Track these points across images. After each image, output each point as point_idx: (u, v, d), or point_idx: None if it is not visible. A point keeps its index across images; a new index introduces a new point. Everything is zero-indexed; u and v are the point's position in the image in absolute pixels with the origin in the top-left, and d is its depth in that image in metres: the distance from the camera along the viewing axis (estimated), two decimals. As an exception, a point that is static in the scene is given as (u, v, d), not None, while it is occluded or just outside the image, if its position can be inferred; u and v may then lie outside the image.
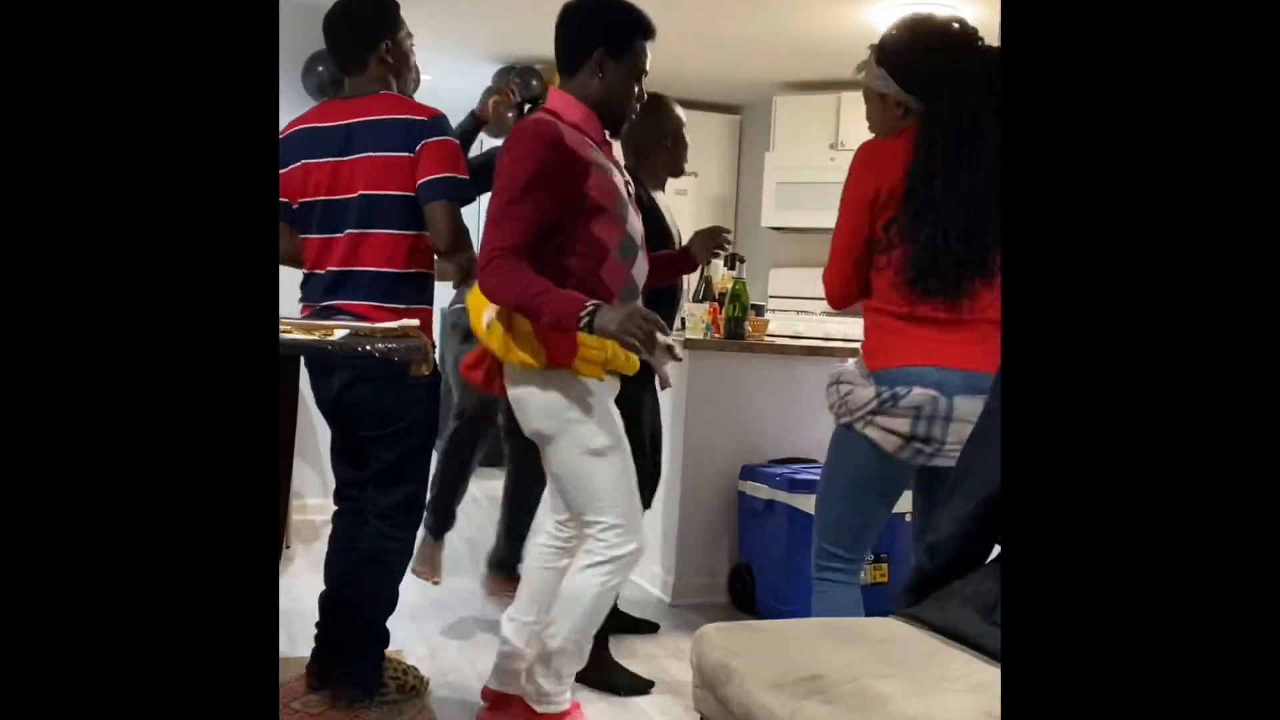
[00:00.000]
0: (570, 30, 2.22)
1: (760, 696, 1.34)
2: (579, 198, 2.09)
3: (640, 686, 2.72)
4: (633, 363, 2.19)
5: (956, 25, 2.05)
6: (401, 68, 2.42)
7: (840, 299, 2.18)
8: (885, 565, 3.17)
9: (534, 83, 5.51)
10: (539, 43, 5.38)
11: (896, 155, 2.01)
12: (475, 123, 2.94)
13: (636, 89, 2.22)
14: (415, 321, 2.10)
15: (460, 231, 2.31)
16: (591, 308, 1.96)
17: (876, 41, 2.15)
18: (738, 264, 3.47)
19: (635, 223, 2.22)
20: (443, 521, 3.47)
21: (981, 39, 2.04)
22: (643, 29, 2.20)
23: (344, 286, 2.33)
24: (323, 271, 2.36)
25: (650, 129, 3.02)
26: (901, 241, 2.01)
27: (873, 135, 2.13)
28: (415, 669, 2.65)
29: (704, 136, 6.41)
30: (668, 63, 5.53)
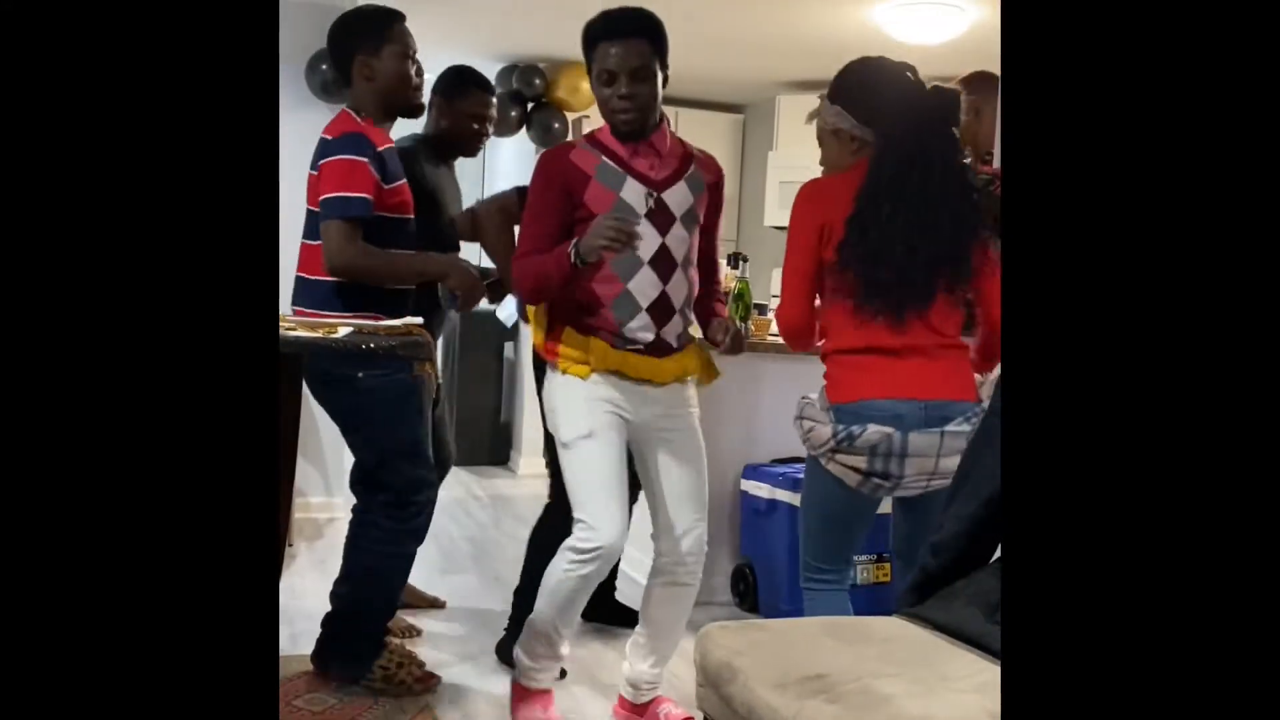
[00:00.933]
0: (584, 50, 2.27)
1: (764, 695, 1.34)
2: (577, 209, 2.19)
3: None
4: (632, 363, 2.21)
5: (907, 70, 2.17)
6: (387, 81, 2.43)
7: (796, 336, 2.22)
8: (887, 565, 3.17)
9: (536, 81, 5.51)
10: (542, 42, 5.40)
11: (840, 189, 2.10)
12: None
13: (607, 90, 2.18)
14: (419, 320, 2.11)
15: (349, 251, 2.31)
16: (572, 243, 2.11)
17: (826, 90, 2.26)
18: (741, 263, 3.47)
19: (647, 235, 2.15)
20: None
21: (925, 85, 2.17)
22: (597, 31, 2.20)
23: (296, 291, 2.47)
24: (297, 274, 2.50)
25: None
26: (849, 266, 2.07)
27: (822, 173, 2.24)
28: (416, 664, 2.63)
29: (707, 135, 6.41)
30: (671, 62, 5.53)
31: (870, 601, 3.08)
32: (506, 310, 3.82)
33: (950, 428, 2.03)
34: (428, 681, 2.62)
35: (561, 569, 2.22)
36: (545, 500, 2.92)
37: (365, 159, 2.32)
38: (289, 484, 2.15)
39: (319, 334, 1.89)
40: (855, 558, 3.05)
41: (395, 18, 2.46)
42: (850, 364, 2.10)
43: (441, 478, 3.45)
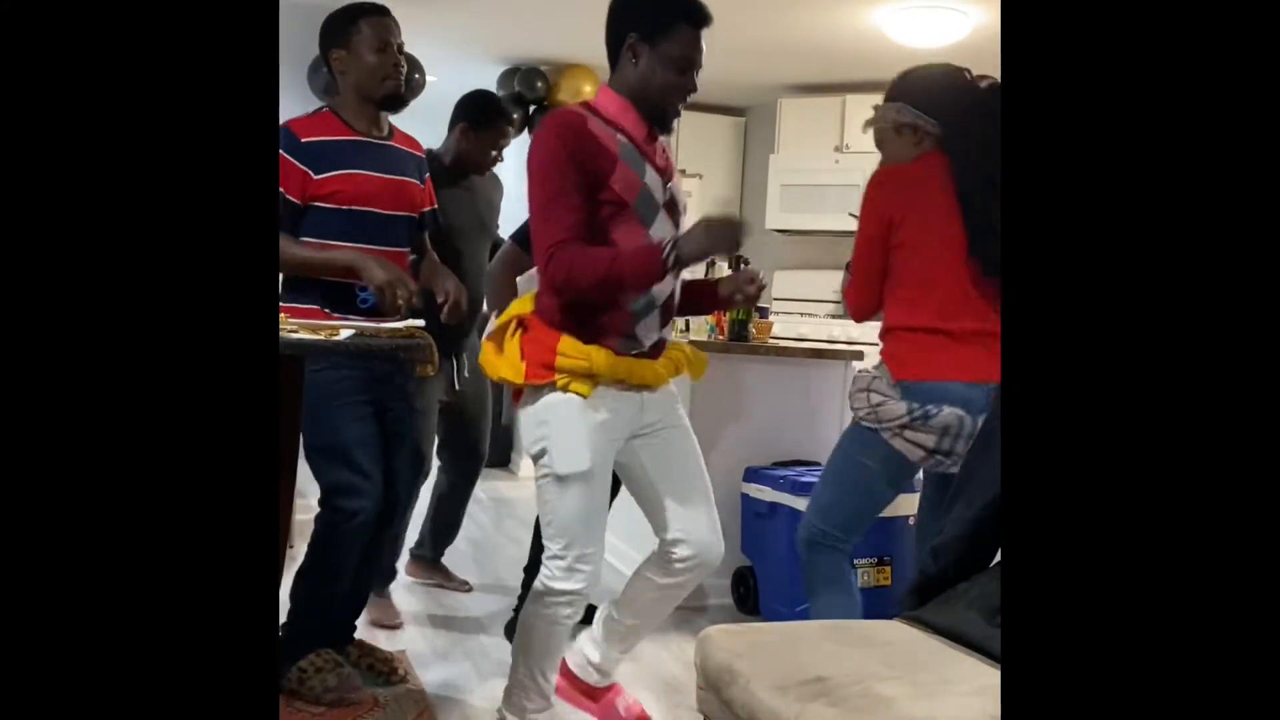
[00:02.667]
0: (609, 17, 2.06)
1: (765, 698, 1.34)
2: (601, 191, 1.95)
3: None
4: (637, 371, 2.04)
5: (962, 70, 2.30)
6: (358, 72, 2.43)
7: (861, 313, 2.36)
8: (888, 568, 3.17)
9: (538, 84, 5.51)
10: (544, 43, 5.41)
11: (910, 178, 2.20)
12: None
13: (679, 79, 2.01)
14: (420, 321, 2.11)
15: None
16: (670, 243, 1.89)
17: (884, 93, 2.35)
18: (742, 266, 3.47)
19: (664, 228, 2.03)
20: None
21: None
22: (685, 13, 2.00)
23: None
24: None
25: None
26: (963, 251, 2.17)
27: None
28: (336, 673, 2.47)
29: (708, 138, 6.42)
30: (673, 64, 5.53)
31: (871, 605, 3.08)
32: None
33: None
34: (348, 698, 2.46)
35: (543, 614, 2.06)
36: None
37: (283, 153, 2.34)
38: (290, 485, 2.14)
39: (320, 336, 1.89)
40: (856, 560, 3.07)
41: (368, 10, 2.45)
42: (920, 343, 2.20)
43: (472, 480, 3.48)
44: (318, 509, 2.43)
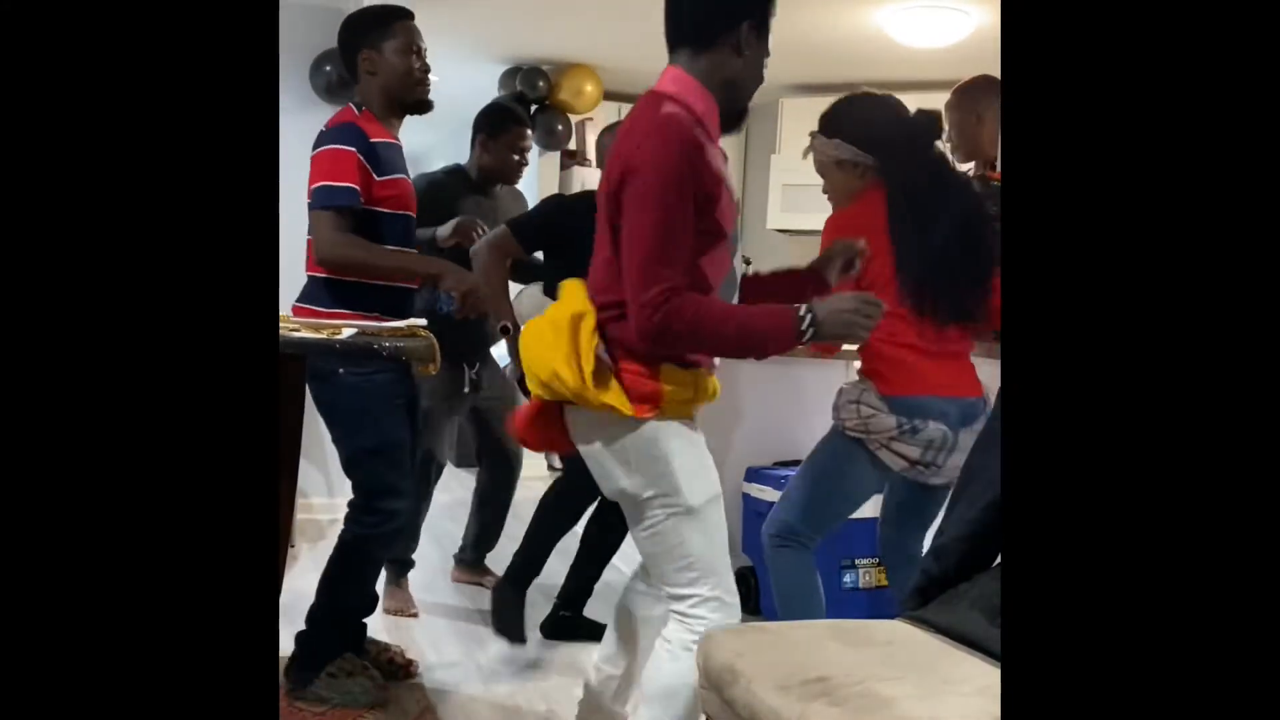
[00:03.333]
0: None
1: (766, 698, 1.34)
2: (704, 218, 1.70)
3: (514, 635, 2.91)
4: (716, 391, 1.87)
5: (892, 99, 2.39)
6: (390, 75, 2.42)
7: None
8: (886, 568, 3.16)
9: (540, 84, 5.51)
10: (545, 43, 5.40)
11: (856, 221, 2.31)
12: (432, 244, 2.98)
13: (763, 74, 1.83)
14: (423, 321, 2.11)
15: (336, 241, 2.30)
16: (805, 315, 1.65)
17: (817, 125, 2.45)
18: (746, 266, 3.47)
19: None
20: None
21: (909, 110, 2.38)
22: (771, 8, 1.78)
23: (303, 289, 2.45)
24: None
25: None
26: (903, 277, 2.28)
27: (832, 206, 2.47)
28: (367, 674, 2.52)
29: (710, 138, 6.41)
30: (674, 64, 5.52)
31: (872, 604, 3.07)
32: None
33: (976, 425, 2.29)
34: (378, 695, 2.50)
35: (688, 670, 1.69)
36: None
37: (353, 149, 2.30)
38: (291, 485, 2.14)
39: (323, 335, 1.89)
40: (857, 560, 3.08)
41: (400, 14, 2.46)
42: (901, 361, 2.32)
43: (511, 481, 3.54)
44: (352, 512, 2.45)
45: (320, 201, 2.29)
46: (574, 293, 1.80)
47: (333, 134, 2.34)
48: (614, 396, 1.71)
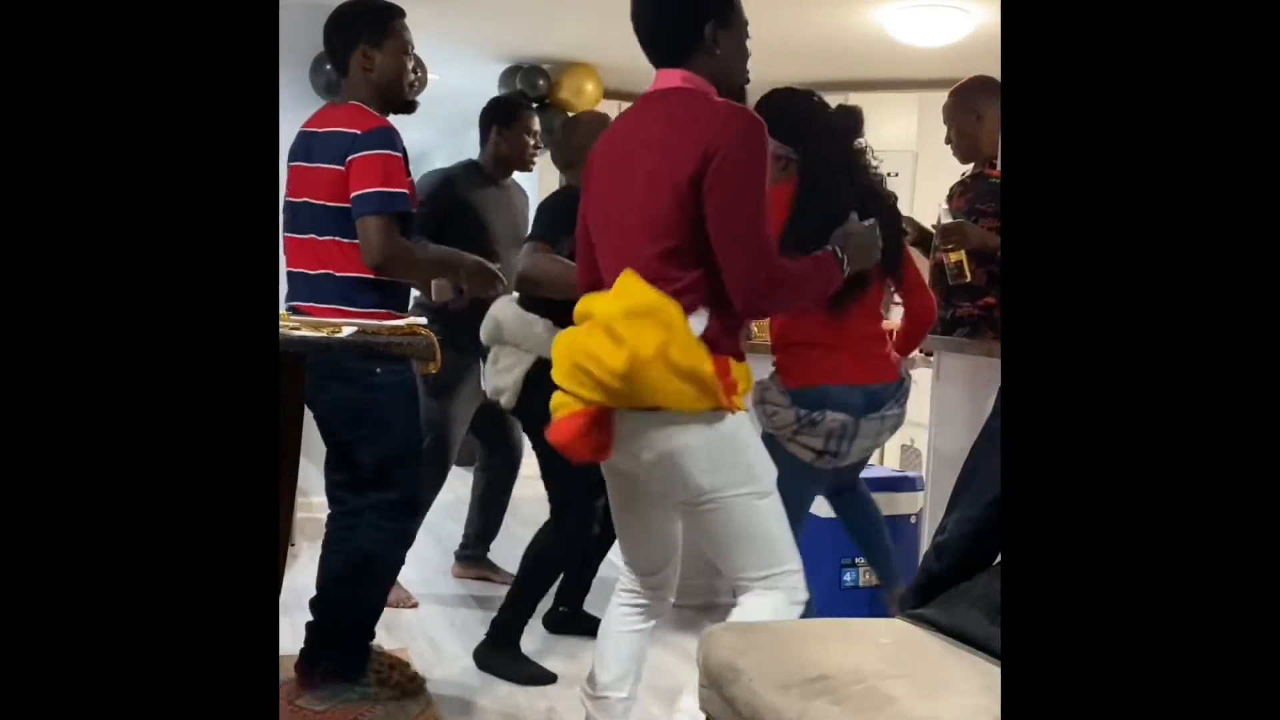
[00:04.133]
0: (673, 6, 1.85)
1: (767, 696, 1.34)
2: None
3: (545, 677, 2.77)
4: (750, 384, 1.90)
5: (814, 95, 2.54)
6: (386, 74, 2.42)
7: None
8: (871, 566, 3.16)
9: (540, 82, 5.50)
10: (546, 42, 5.40)
11: (779, 202, 2.28)
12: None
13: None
14: (423, 320, 2.11)
15: (393, 246, 2.31)
16: (840, 253, 1.83)
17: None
18: None
19: None
20: None
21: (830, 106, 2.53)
22: None
23: (306, 288, 2.41)
24: (291, 270, 2.46)
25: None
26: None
27: None
28: (405, 666, 2.62)
29: (710, 137, 6.39)
30: (674, 63, 5.51)
31: (872, 603, 3.07)
32: None
33: (886, 411, 2.44)
34: (417, 682, 2.61)
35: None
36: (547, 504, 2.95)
37: (400, 153, 2.34)
38: (291, 484, 2.14)
39: (323, 334, 1.89)
40: (857, 559, 3.07)
41: (397, 12, 2.45)
42: (799, 354, 2.45)
43: (511, 476, 3.59)
44: (383, 513, 2.47)
45: (378, 207, 2.30)
46: (636, 286, 1.73)
47: (379, 138, 2.32)
48: (696, 392, 1.70)
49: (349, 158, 2.31)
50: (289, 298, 2.45)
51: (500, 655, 2.81)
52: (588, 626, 2.95)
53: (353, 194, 2.30)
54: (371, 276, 2.36)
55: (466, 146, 3.43)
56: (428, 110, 4.06)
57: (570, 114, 3.71)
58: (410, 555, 3.46)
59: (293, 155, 2.42)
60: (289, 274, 2.45)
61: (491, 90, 5.68)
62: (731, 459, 1.77)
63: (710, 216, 1.71)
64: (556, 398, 1.80)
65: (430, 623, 3.20)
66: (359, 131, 2.32)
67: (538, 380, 2.50)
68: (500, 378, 2.67)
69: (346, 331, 1.91)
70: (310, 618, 2.55)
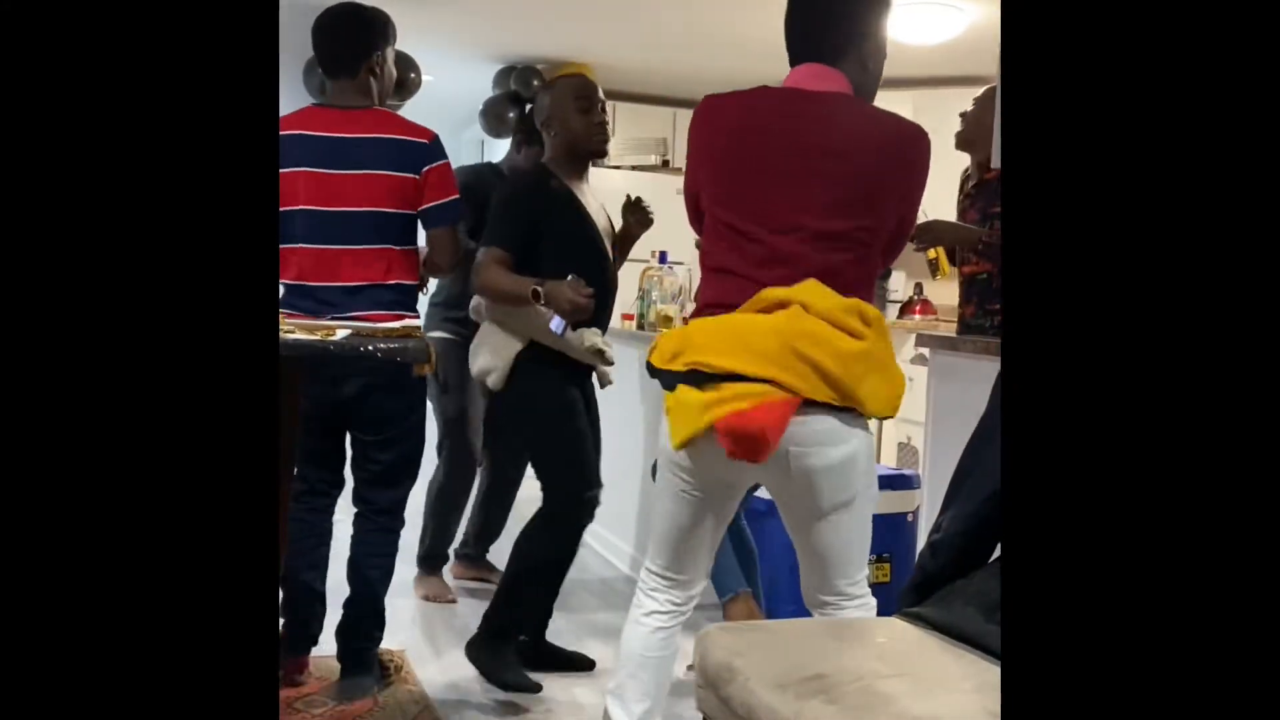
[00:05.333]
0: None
1: (764, 696, 1.34)
2: None
3: (528, 687, 2.64)
4: None
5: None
6: (388, 82, 2.48)
7: None
8: (887, 565, 3.17)
9: (535, 83, 5.50)
10: (540, 42, 5.40)
11: None
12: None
13: None
14: (417, 322, 2.12)
15: (459, 251, 2.46)
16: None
17: None
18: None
19: None
20: None
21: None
22: None
23: (360, 299, 2.34)
24: (327, 285, 2.35)
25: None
26: None
27: None
28: (388, 651, 2.72)
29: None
30: (671, 62, 5.53)
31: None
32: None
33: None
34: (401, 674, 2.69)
35: None
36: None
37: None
38: (289, 485, 2.15)
39: (317, 337, 1.89)
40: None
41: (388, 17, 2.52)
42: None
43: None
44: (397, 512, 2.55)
45: (455, 217, 2.43)
46: (826, 292, 1.71)
47: (442, 147, 2.42)
48: (888, 392, 1.73)
49: (425, 167, 2.35)
50: (336, 311, 2.30)
51: (487, 652, 2.65)
52: (551, 661, 2.85)
53: (433, 203, 2.36)
54: (414, 282, 2.44)
55: (463, 148, 3.42)
56: (422, 111, 4.07)
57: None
58: (410, 556, 3.51)
59: (319, 161, 2.32)
60: (331, 288, 2.34)
61: (486, 90, 5.68)
62: (870, 464, 1.79)
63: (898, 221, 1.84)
64: (729, 389, 1.67)
65: (430, 621, 3.20)
66: (426, 141, 2.37)
67: (529, 363, 2.52)
68: (488, 358, 2.58)
69: (341, 334, 1.91)
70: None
